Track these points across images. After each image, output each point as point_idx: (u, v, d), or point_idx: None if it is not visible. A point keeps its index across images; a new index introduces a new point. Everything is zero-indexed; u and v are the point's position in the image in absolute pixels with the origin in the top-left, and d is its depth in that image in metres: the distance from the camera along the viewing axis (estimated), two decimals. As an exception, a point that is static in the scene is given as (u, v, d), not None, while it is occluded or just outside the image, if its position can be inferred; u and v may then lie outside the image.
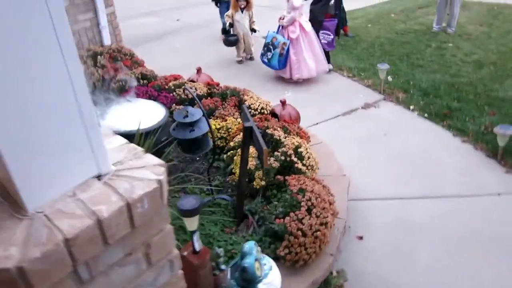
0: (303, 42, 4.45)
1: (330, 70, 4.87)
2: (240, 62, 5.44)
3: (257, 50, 5.32)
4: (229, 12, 5.13)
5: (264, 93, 4.45)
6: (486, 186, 2.84)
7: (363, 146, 3.44)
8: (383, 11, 7.80)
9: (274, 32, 4.62)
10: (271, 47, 4.58)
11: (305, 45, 4.46)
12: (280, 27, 4.60)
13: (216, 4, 6.09)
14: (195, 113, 2.09)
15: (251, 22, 5.13)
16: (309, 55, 4.50)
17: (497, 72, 4.89)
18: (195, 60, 5.54)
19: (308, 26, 4.50)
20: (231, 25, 5.10)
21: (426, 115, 4.00)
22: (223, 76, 4.97)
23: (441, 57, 5.39)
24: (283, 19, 4.47)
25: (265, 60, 4.71)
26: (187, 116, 2.07)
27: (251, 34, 5.24)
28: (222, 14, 6.29)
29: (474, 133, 3.60)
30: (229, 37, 5.15)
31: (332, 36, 4.61)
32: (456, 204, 2.68)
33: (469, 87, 4.50)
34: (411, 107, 4.16)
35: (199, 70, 3.87)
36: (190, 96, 3.28)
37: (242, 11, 5.02)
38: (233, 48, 5.36)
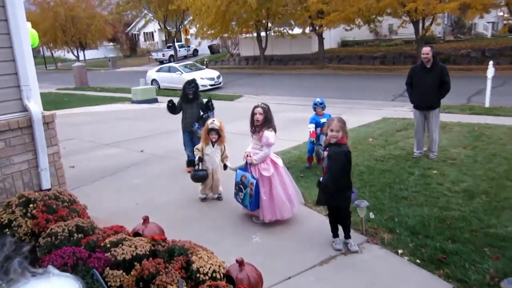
0: (276, 181, 4.49)
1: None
2: (203, 200, 5.38)
3: (227, 187, 5.36)
4: (199, 145, 5.31)
5: (227, 238, 4.26)
6: None
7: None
8: (360, 136, 8.30)
9: (243, 169, 4.69)
10: (241, 186, 4.58)
11: (278, 183, 4.48)
12: (248, 164, 4.58)
13: (172, 111, 6.48)
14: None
15: (223, 157, 5.26)
16: (281, 194, 4.49)
17: (491, 203, 4.90)
18: (153, 198, 5.50)
19: (279, 161, 4.59)
20: (201, 159, 5.22)
21: (418, 260, 3.78)
22: (182, 218, 4.84)
23: (427, 187, 5.47)
24: (250, 156, 4.54)
25: (239, 199, 4.68)
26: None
27: (221, 170, 5.33)
28: (186, 144, 6.56)
29: (479, 285, 3.34)
30: (198, 172, 5.22)
31: None
32: None
33: (463, 223, 4.41)
34: (400, 251, 3.96)
35: (145, 220, 3.70)
36: (129, 256, 3.01)
37: (213, 145, 5.21)
38: (199, 183, 5.38)
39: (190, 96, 6.30)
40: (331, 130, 3.80)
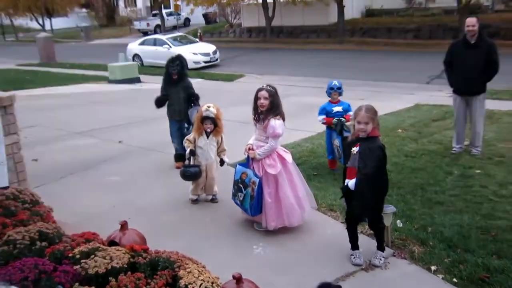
0: (283, 180, 4.48)
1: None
2: (195, 202, 5.39)
3: (223, 187, 5.38)
4: (191, 136, 5.30)
5: (223, 249, 4.29)
6: None
7: None
8: (387, 126, 8.28)
9: (244, 165, 4.67)
10: (241, 185, 4.56)
11: (285, 183, 4.47)
12: (250, 160, 4.56)
13: (158, 105, 6.47)
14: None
15: (220, 151, 5.28)
16: (290, 196, 4.48)
17: (546, 210, 4.89)
18: (134, 199, 5.53)
19: (288, 157, 4.57)
20: (193, 152, 5.22)
21: (455, 279, 3.79)
22: (168, 224, 4.88)
23: (467, 190, 5.46)
24: (253, 149, 4.52)
25: (237, 201, 4.68)
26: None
27: (216, 166, 5.34)
28: (173, 135, 6.57)
29: (528, 310, 3.34)
30: (189, 168, 5.23)
31: None
32: None
33: (511, 235, 4.40)
34: (433, 267, 3.96)
35: (124, 226, 3.72)
36: (103, 269, 3.03)
37: (207, 136, 5.20)
38: (189, 182, 5.39)
39: (174, 77, 6.25)
40: (359, 123, 3.76)
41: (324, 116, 6.08)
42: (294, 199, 4.50)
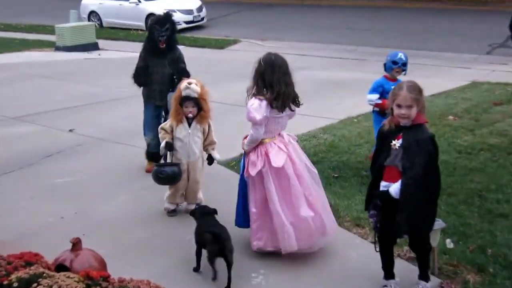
0: (272, 187, 4.47)
1: None
2: (172, 213, 5.39)
3: (212, 194, 5.37)
4: (167, 124, 5.27)
5: (208, 278, 4.26)
6: None
7: None
8: (434, 111, 8.29)
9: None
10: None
11: (278, 192, 4.47)
12: (244, 154, 4.72)
13: (140, 81, 6.32)
14: None
15: (208, 144, 5.31)
16: (284, 212, 4.46)
17: None
18: (90, 208, 5.55)
19: (278, 158, 4.45)
20: (170, 146, 5.21)
21: (524, 321, 3.79)
22: (136, 242, 4.88)
23: (542, 199, 5.48)
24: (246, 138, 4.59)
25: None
26: None
27: (203, 166, 5.32)
28: (147, 125, 6.49)
29: None
30: (164, 168, 5.20)
31: None
32: None
33: None
34: (495, 304, 3.97)
35: (76, 244, 3.71)
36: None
37: (189, 124, 5.19)
38: (165, 186, 5.41)
39: (161, 46, 6.15)
40: (399, 106, 3.70)
41: (377, 96, 5.95)
42: (294, 219, 4.46)
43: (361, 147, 7.10)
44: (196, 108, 5.11)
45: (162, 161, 5.37)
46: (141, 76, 6.28)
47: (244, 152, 4.67)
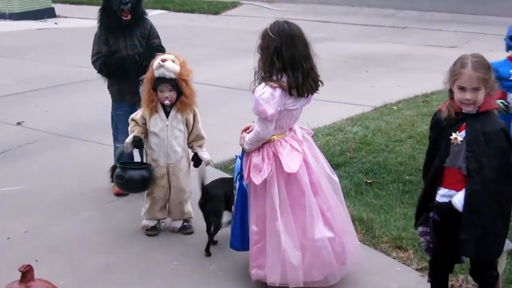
0: (278, 198, 4.44)
1: None
2: (152, 231, 5.38)
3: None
4: (137, 114, 5.28)
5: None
6: None
7: None
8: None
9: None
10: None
11: (285, 206, 4.44)
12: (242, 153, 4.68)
13: (110, 70, 6.14)
14: None
15: (193, 140, 5.36)
16: (290, 232, 4.47)
17: None
18: (45, 224, 5.54)
19: (292, 163, 4.40)
20: (138, 142, 5.21)
21: None
22: (106, 270, 4.86)
23: None
24: (247, 130, 4.53)
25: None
26: None
27: (189, 169, 5.35)
28: (117, 126, 6.28)
29: None
30: (126, 170, 5.18)
31: None
32: None
33: None
34: None
35: (26, 274, 3.69)
36: None
37: (167, 114, 5.19)
38: (140, 197, 5.40)
39: (126, 17, 6.04)
40: (461, 89, 3.67)
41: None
42: (308, 243, 4.46)
43: (402, 143, 7.09)
44: (175, 92, 5.07)
45: (129, 161, 5.33)
46: (108, 65, 6.09)
47: (243, 150, 4.64)
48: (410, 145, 6.88)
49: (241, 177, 4.58)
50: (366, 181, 6.18)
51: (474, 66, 3.67)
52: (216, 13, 16.36)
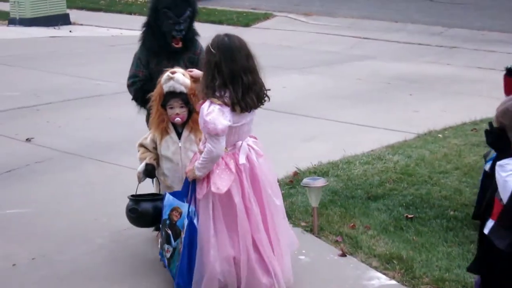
0: (212, 220, 4.62)
1: None
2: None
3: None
4: (147, 138, 5.28)
5: None
6: None
7: None
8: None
9: (178, 194, 4.89)
10: (169, 232, 4.86)
11: (219, 224, 4.66)
12: (189, 184, 4.84)
13: (141, 103, 5.91)
14: None
15: None
16: (222, 250, 4.65)
17: None
18: (54, 251, 5.55)
19: (256, 175, 4.68)
20: (150, 171, 5.21)
21: None
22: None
23: None
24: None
25: (165, 260, 4.93)
26: None
27: None
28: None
29: None
30: (139, 203, 5.13)
31: None
32: None
33: None
34: None
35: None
36: None
37: (179, 135, 5.23)
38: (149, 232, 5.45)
39: (177, 45, 5.85)
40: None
41: None
42: (253, 262, 4.62)
43: (448, 175, 7.05)
44: (186, 109, 5.07)
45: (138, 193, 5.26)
46: (145, 92, 5.61)
47: (186, 180, 4.80)
48: (456, 178, 6.82)
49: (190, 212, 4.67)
50: (406, 216, 6.14)
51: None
52: (247, 25, 16.36)
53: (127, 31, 17.00)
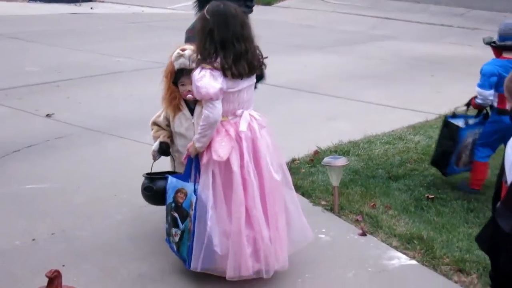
0: (212, 190, 4.60)
1: None
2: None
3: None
4: (159, 116, 5.28)
5: None
6: None
7: None
8: None
9: (180, 177, 4.89)
10: (175, 215, 4.84)
11: (218, 193, 4.65)
12: (191, 164, 4.86)
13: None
14: None
15: None
16: (219, 222, 4.63)
17: None
18: (74, 227, 5.57)
19: (259, 147, 4.66)
20: (165, 149, 5.23)
21: None
22: (137, 280, 4.87)
23: None
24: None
25: (173, 246, 4.90)
26: None
27: None
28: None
29: None
30: (154, 181, 5.12)
31: None
32: None
33: None
34: None
35: (53, 280, 3.74)
36: None
37: (191, 111, 5.09)
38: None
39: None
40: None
41: (491, 92, 6.12)
42: (244, 238, 4.55)
43: (469, 156, 6.98)
44: None
45: (152, 171, 5.26)
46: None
47: (188, 163, 4.81)
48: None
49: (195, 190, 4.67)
50: (427, 196, 6.13)
51: None
52: (268, 3, 16.36)
53: (148, 8, 17.26)
